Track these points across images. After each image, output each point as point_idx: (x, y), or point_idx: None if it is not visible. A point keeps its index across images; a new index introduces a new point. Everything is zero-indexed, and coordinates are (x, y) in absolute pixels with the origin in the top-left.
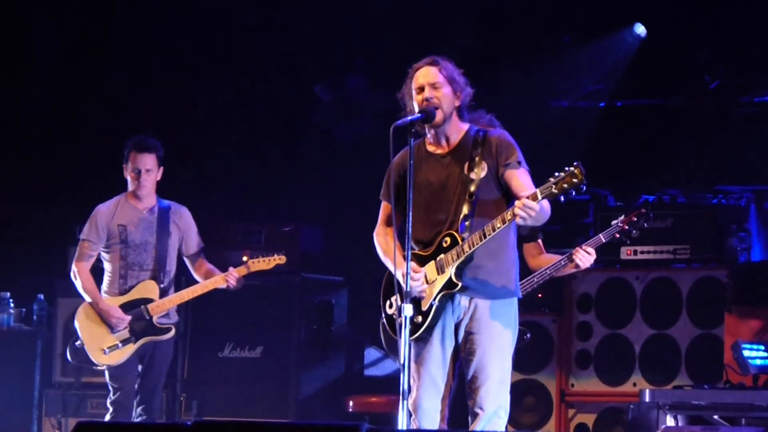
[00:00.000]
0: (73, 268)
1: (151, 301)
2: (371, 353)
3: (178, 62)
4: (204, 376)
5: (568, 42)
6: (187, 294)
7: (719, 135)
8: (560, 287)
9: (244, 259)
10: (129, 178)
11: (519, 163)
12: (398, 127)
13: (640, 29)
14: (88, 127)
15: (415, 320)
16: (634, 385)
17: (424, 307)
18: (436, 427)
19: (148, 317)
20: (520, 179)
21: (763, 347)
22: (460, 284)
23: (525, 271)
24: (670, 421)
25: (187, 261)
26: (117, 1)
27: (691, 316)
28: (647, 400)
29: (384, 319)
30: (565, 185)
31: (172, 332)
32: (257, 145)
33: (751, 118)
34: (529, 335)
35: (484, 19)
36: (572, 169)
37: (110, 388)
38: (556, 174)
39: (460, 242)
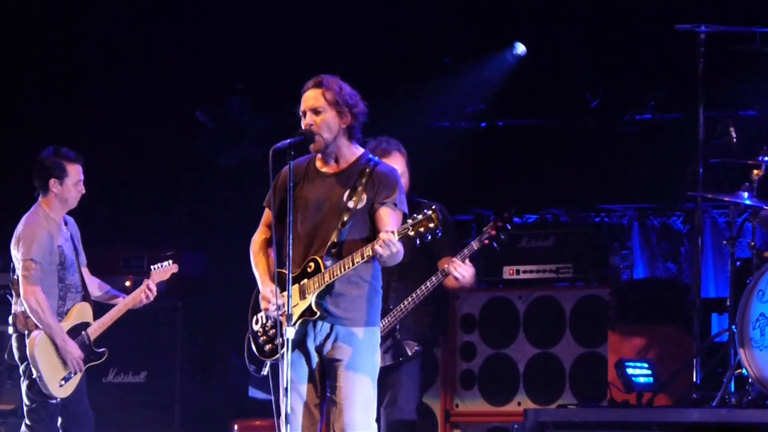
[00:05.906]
0: (27, 290)
1: (88, 324)
2: (256, 376)
3: (57, 82)
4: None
5: (448, 62)
6: (115, 313)
7: (601, 154)
8: (444, 307)
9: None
10: (66, 191)
11: (395, 204)
12: (278, 150)
13: (521, 48)
14: None
15: (275, 342)
16: (519, 404)
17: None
18: None
19: (88, 342)
20: (388, 218)
21: (646, 365)
22: (318, 313)
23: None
24: None
25: None
26: None
27: (575, 335)
28: (531, 419)
29: (250, 335)
30: (421, 229)
31: (106, 354)
32: (139, 168)
33: (632, 136)
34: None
35: (365, 41)
36: (429, 213)
37: (31, 423)
38: (414, 216)
39: (323, 270)
